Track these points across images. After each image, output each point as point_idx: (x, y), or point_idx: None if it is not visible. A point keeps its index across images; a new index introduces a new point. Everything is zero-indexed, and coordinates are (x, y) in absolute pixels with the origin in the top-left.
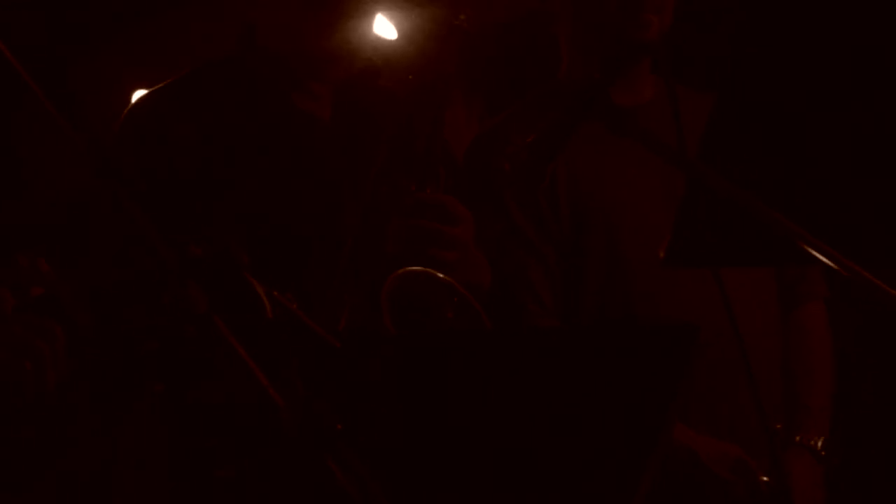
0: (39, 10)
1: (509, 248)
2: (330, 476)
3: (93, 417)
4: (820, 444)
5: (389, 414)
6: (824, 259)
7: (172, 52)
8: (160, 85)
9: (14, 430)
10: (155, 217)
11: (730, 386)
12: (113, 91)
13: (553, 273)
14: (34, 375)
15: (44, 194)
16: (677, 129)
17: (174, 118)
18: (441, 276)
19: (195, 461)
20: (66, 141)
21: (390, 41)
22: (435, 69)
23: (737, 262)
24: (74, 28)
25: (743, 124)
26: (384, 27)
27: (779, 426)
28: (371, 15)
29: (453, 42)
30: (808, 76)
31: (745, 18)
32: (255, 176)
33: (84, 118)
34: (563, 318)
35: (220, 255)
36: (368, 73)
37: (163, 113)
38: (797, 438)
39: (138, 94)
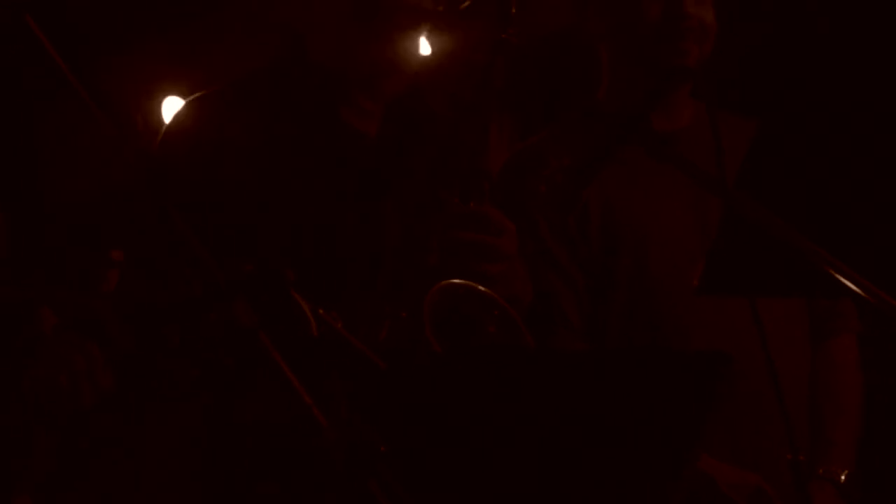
0: (66, 15)
1: (539, 270)
2: (372, 498)
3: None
4: (843, 477)
5: (430, 436)
6: (858, 290)
7: (204, 60)
8: (206, 91)
9: (54, 439)
10: (202, 231)
11: (755, 415)
12: (143, 98)
13: (581, 296)
14: (69, 391)
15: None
16: (717, 156)
17: (222, 126)
18: (482, 289)
19: (235, 478)
20: (97, 147)
21: (437, 56)
22: (483, 83)
23: (771, 292)
24: (104, 34)
25: (784, 154)
26: (429, 43)
27: (802, 458)
28: (420, 29)
29: (501, 56)
30: (851, 108)
31: (790, 47)
32: (302, 190)
33: (130, 127)
34: (590, 342)
35: (268, 273)
36: (416, 90)
37: (210, 120)
38: (820, 471)
39: (170, 101)
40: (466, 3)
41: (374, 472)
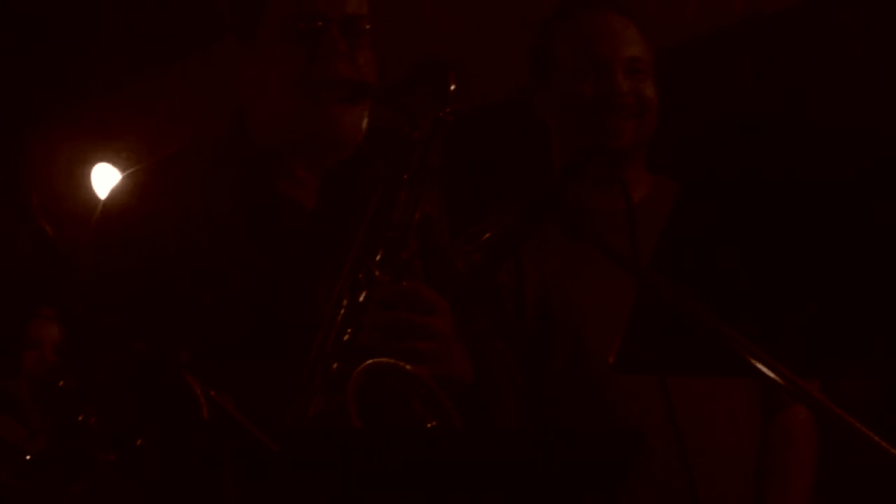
0: None
1: (479, 352)
2: None
3: None
4: None
5: None
6: (770, 373)
7: (135, 128)
8: (141, 166)
9: None
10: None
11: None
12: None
13: (516, 374)
14: None
15: None
16: (630, 234)
17: (158, 201)
18: (409, 367)
19: None
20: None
21: (380, 130)
22: (417, 160)
23: (685, 371)
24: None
25: (700, 233)
26: (371, 118)
27: None
28: (360, 104)
29: (438, 134)
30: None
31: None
32: (235, 264)
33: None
34: (525, 419)
35: (161, 353)
36: (358, 160)
37: (144, 198)
38: None
39: (100, 168)
40: (411, 78)
41: None
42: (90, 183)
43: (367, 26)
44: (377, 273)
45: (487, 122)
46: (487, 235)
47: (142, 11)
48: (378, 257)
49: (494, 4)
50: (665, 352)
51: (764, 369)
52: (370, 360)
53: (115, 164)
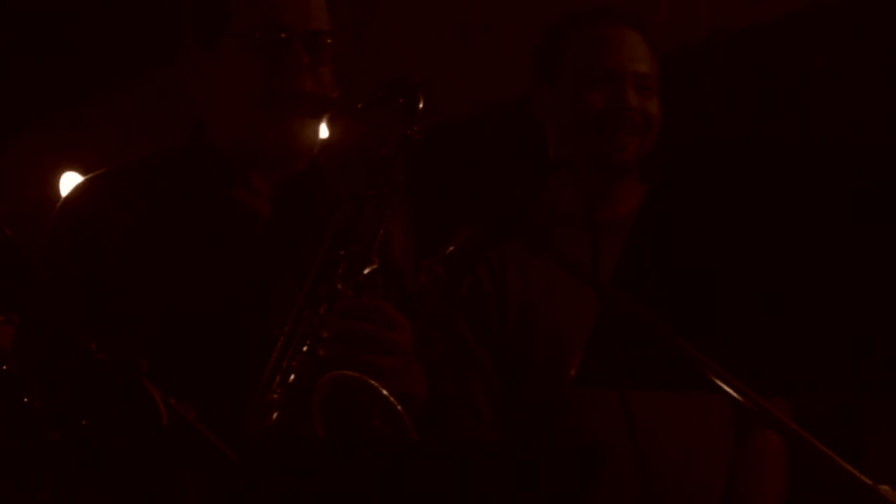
0: None
1: (451, 359)
2: None
3: None
4: None
5: None
6: (729, 390)
7: (104, 136)
8: (100, 171)
9: None
10: (67, 313)
11: None
12: (42, 172)
13: (493, 384)
14: None
15: None
16: (593, 249)
17: (111, 208)
18: (372, 382)
19: None
20: None
21: (339, 143)
22: (383, 178)
23: (646, 385)
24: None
25: (659, 251)
26: (329, 130)
27: None
28: (320, 117)
29: (404, 152)
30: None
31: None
32: (187, 270)
33: None
34: (502, 430)
35: (120, 360)
36: (313, 172)
37: (100, 202)
38: None
39: (68, 176)
40: (379, 95)
41: None
42: (58, 191)
43: (329, 41)
44: (339, 286)
45: (455, 138)
46: (451, 249)
47: (111, 22)
48: (340, 271)
49: (462, 25)
50: (626, 366)
51: (722, 385)
52: (336, 372)
53: (83, 172)
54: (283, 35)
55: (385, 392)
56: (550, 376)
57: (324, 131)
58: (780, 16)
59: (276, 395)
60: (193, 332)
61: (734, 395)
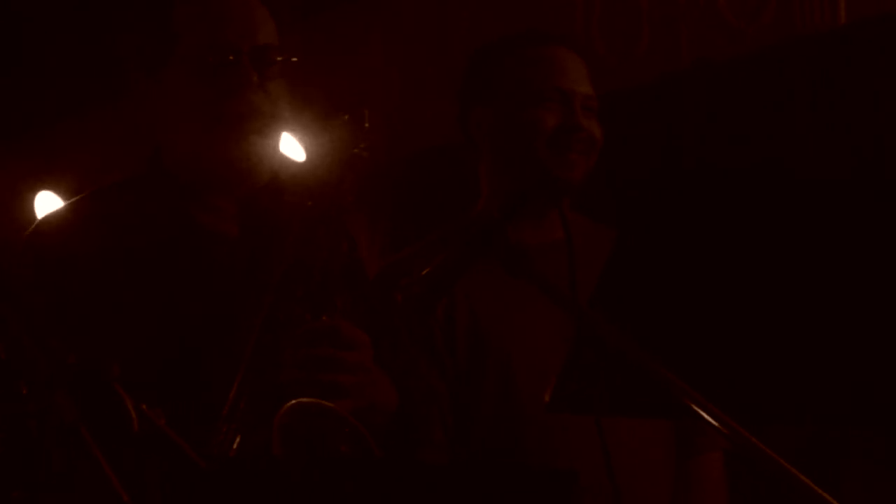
0: None
1: (405, 382)
2: None
3: None
4: None
5: None
6: (707, 417)
7: (79, 157)
8: (65, 203)
9: None
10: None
11: None
12: (17, 193)
13: (445, 409)
14: None
15: None
16: (570, 273)
17: (75, 238)
18: (332, 406)
19: None
20: None
21: (296, 161)
22: (333, 196)
23: (621, 412)
24: None
25: (640, 273)
26: (292, 147)
27: None
28: (273, 136)
29: (353, 170)
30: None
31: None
32: (152, 296)
33: None
34: (453, 454)
35: (91, 365)
36: (272, 190)
37: (64, 232)
38: None
39: (42, 196)
40: (344, 117)
41: None
42: (33, 210)
43: (279, 57)
44: (297, 311)
45: (428, 167)
46: (427, 270)
47: (86, 48)
48: (299, 294)
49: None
50: (601, 392)
51: (701, 412)
52: (294, 401)
53: (58, 192)
54: (231, 56)
55: (345, 414)
56: (502, 402)
57: (285, 145)
58: (760, 48)
59: (237, 425)
60: (157, 359)
61: (713, 423)
